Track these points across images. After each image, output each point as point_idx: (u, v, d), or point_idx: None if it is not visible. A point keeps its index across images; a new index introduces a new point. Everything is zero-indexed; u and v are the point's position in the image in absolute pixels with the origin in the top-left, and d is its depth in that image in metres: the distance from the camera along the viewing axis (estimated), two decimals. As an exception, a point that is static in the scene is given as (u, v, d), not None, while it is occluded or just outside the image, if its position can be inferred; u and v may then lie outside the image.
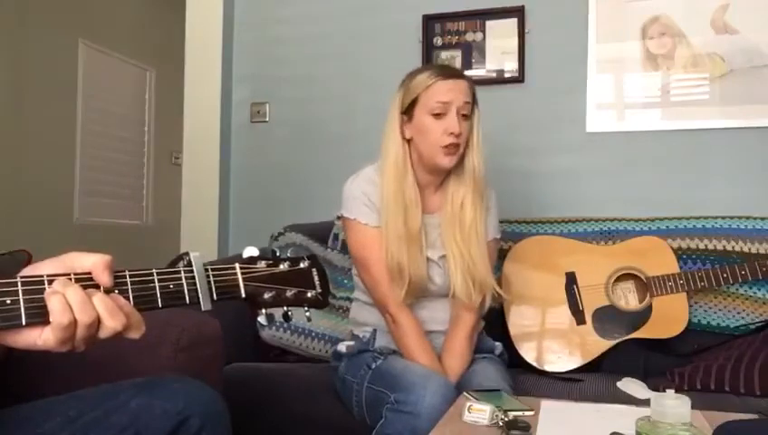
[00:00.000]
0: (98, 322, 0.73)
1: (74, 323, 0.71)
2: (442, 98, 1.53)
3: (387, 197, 1.56)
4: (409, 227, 1.55)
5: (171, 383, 0.92)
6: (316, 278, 0.96)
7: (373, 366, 1.51)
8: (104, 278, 0.75)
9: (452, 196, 1.61)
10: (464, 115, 1.55)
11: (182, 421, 0.88)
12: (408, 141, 1.59)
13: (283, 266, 0.92)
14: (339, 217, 1.64)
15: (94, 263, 0.75)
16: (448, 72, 1.58)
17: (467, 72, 2.41)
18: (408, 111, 1.58)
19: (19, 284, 0.71)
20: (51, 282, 0.73)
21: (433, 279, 1.60)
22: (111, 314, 0.73)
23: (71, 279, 0.73)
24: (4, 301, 0.70)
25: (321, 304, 0.95)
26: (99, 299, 0.73)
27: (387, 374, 1.46)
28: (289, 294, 0.92)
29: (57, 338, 0.71)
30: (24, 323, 0.71)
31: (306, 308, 0.95)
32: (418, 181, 1.61)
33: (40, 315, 0.72)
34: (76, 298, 0.71)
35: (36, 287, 0.72)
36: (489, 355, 1.67)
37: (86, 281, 0.75)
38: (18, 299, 0.71)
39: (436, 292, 1.62)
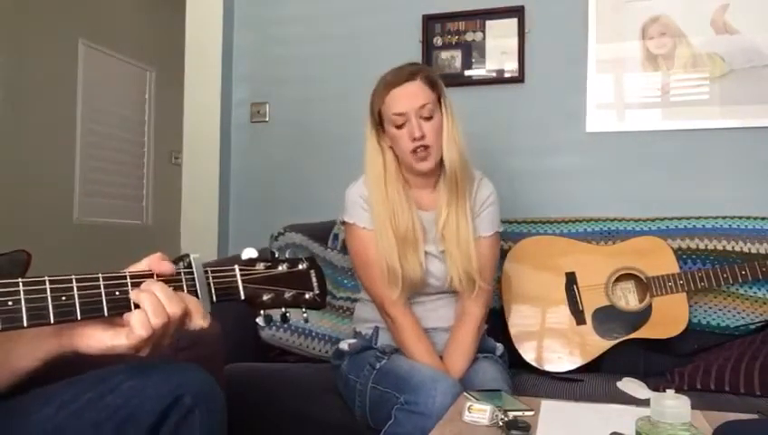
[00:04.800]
0: (164, 311, 0.79)
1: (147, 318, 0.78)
2: (397, 109, 1.55)
3: (374, 207, 1.59)
4: (400, 230, 1.57)
5: (165, 365, 0.92)
6: (314, 280, 0.96)
7: (377, 366, 1.51)
8: (164, 267, 0.82)
9: (446, 193, 1.62)
10: (425, 117, 1.55)
11: (174, 401, 0.88)
12: (392, 148, 1.62)
13: (282, 268, 0.93)
14: (343, 223, 1.68)
15: (149, 259, 0.82)
16: (400, 78, 1.57)
17: (467, 72, 2.42)
18: (381, 123, 1.61)
19: (20, 284, 0.72)
20: (52, 282, 0.73)
21: (433, 272, 1.62)
22: (170, 300, 0.79)
23: (125, 277, 0.80)
24: (6, 302, 0.71)
25: (318, 305, 0.96)
26: (157, 287, 0.80)
27: (392, 375, 1.46)
28: (287, 295, 0.92)
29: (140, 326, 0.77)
30: (25, 324, 0.71)
31: (304, 309, 0.95)
32: (412, 183, 1.64)
33: (41, 317, 0.72)
34: (161, 294, 0.79)
35: (37, 288, 0.73)
36: (490, 355, 1.67)
37: (138, 279, 0.81)
38: (20, 300, 0.71)
39: (439, 286, 1.63)
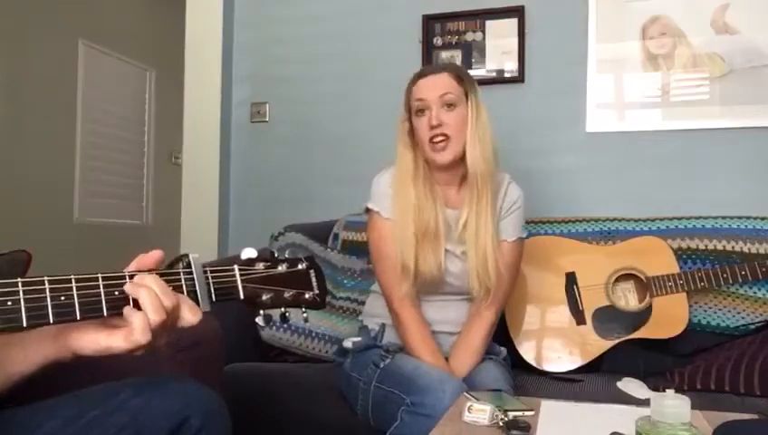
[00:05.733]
0: (162, 305, 0.78)
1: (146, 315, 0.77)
2: (419, 95, 1.57)
3: (397, 199, 1.58)
4: (422, 222, 1.55)
5: (171, 383, 0.92)
6: (314, 280, 0.96)
7: (381, 365, 1.50)
8: (152, 258, 0.81)
9: (467, 194, 1.60)
10: (448, 105, 1.55)
11: (182, 421, 0.88)
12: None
13: (281, 268, 0.93)
14: (367, 210, 1.66)
15: (136, 261, 0.81)
16: (428, 70, 1.62)
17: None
18: (410, 117, 1.61)
19: (20, 284, 0.72)
20: (51, 282, 0.73)
21: (452, 272, 1.59)
22: (164, 293, 0.78)
23: (124, 277, 0.78)
24: (5, 302, 0.71)
25: (318, 305, 0.96)
26: (151, 280, 0.78)
27: (397, 375, 1.45)
28: (287, 295, 0.92)
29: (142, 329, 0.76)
30: (24, 324, 0.71)
31: (303, 309, 0.95)
32: (439, 180, 1.62)
33: (41, 317, 0.72)
34: (156, 286, 0.78)
35: (37, 288, 0.73)
36: (494, 357, 1.67)
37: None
38: (19, 299, 0.71)
39: (458, 286, 1.60)
